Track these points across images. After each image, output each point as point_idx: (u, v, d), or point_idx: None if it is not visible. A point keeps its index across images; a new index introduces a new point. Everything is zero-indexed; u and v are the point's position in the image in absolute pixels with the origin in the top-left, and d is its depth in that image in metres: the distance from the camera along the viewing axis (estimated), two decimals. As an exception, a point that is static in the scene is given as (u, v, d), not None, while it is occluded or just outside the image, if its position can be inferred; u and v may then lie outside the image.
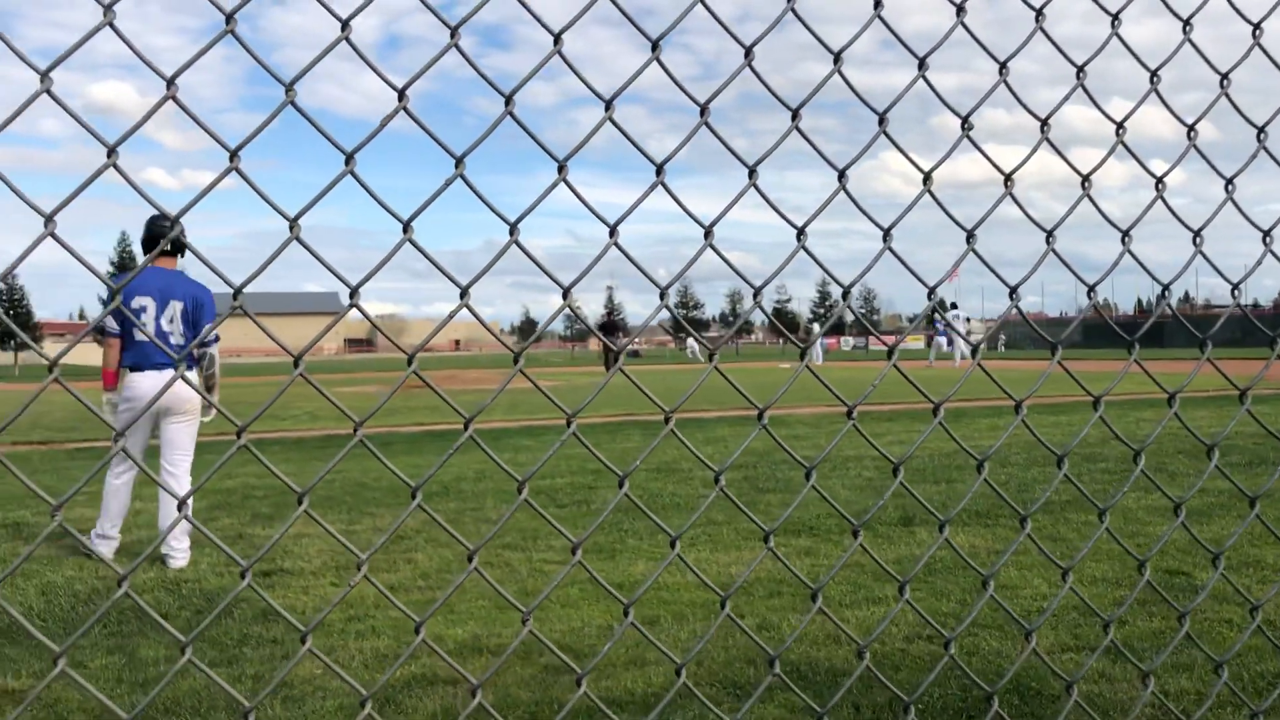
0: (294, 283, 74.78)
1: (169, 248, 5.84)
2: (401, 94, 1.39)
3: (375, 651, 4.16)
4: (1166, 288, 1.97)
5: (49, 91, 1.17)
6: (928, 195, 1.78)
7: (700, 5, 1.58)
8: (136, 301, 5.80)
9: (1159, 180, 1.95)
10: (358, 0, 1.38)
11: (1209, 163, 2.03)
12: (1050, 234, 1.86)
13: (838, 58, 1.65)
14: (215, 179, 1.29)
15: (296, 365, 1.37)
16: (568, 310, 1.60)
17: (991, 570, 1.98)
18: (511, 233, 1.49)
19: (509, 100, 1.47)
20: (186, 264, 6.24)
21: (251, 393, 21.52)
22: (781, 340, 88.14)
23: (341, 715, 3.46)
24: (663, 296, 1.61)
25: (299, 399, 18.72)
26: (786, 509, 2.05)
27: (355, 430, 1.41)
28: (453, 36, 1.42)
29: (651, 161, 1.57)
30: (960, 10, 1.76)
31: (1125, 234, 1.93)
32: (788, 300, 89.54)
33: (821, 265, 1.76)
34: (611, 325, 41.83)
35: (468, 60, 1.44)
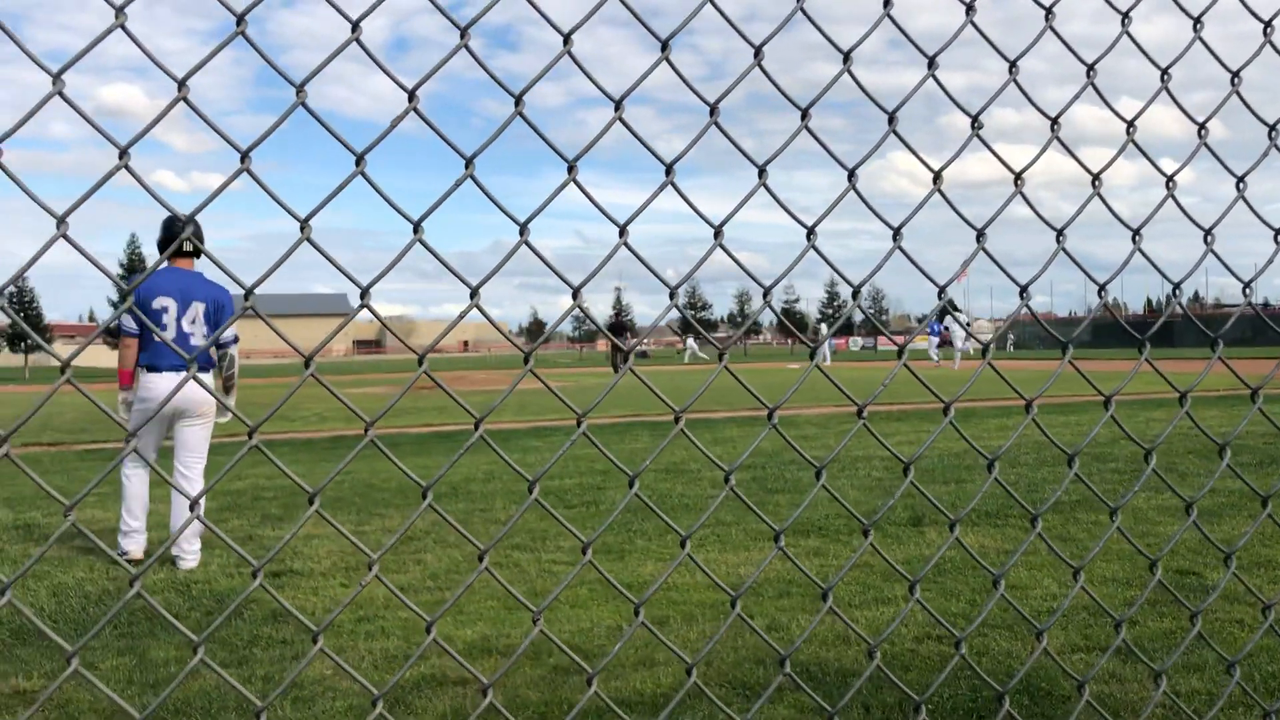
0: (302, 284, 74.82)
1: (189, 248, 5.85)
2: (412, 95, 1.39)
3: (385, 652, 4.17)
4: (1177, 286, 1.97)
5: (61, 93, 1.17)
6: (935, 195, 1.78)
7: (710, 5, 1.58)
8: (158, 302, 5.81)
9: (1169, 178, 1.94)
10: (365, 2, 1.38)
11: (1220, 161, 2.02)
12: (1060, 233, 1.85)
13: (847, 57, 1.65)
14: (227, 179, 1.29)
15: (308, 365, 1.38)
16: (577, 311, 1.60)
17: (1002, 570, 1.97)
18: (521, 233, 1.50)
19: (519, 100, 1.47)
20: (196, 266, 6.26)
21: (261, 394, 21.56)
22: (790, 341, 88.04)
23: (351, 716, 3.47)
24: (672, 296, 1.61)
25: (307, 400, 18.76)
26: (795, 509, 2.04)
27: (366, 430, 1.41)
28: (463, 37, 1.42)
29: (661, 161, 1.57)
30: (970, 9, 1.75)
31: (1136, 232, 1.93)
32: (796, 300, 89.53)
33: (831, 264, 1.76)
34: (620, 326, 41.82)
35: (477, 61, 1.44)
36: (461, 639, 4.30)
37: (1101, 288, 1.91)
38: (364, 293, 1.40)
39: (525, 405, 16.95)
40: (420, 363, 1.45)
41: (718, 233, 1.62)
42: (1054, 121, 1.85)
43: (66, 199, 1.20)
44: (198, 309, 5.90)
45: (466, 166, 1.45)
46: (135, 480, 5.95)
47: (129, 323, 5.86)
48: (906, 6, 1.75)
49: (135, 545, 5.91)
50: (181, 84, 1.25)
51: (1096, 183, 1.89)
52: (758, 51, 1.60)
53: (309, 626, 1.46)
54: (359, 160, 1.37)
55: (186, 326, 5.86)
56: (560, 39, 1.47)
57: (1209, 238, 1.99)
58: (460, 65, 1.44)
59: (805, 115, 1.66)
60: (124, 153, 1.22)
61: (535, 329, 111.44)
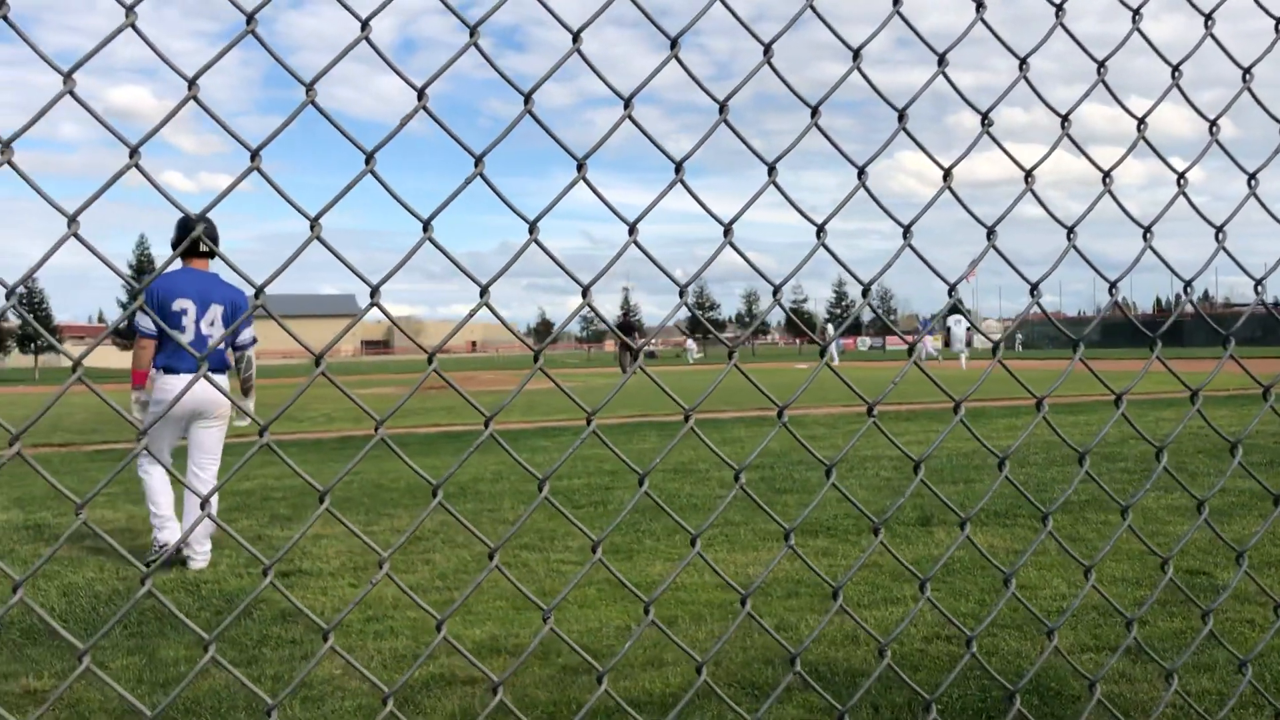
0: (310, 285, 75.08)
1: (204, 248, 5.85)
2: (421, 93, 1.39)
3: (394, 652, 4.17)
4: (1189, 285, 1.96)
5: (72, 93, 1.18)
6: (943, 195, 1.78)
7: (719, 4, 1.57)
8: (178, 304, 5.82)
9: (1181, 176, 1.93)
10: (373, 2, 1.38)
11: (1231, 158, 2.01)
12: (1071, 230, 1.84)
13: (857, 55, 1.65)
14: (239, 177, 1.29)
15: (318, 364, 1.38)
16: (586, 311, 1.60)
17: (1013, 569, 1.97)
18: (531, 231, 1.49)
19: (528, 99, 1.47)
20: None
21: (270, 394, 21.62)
22: (798, 341, 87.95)
23: (361, 715, 3.47)
24: (682, 295, 1.61)
25: (315, 401, 18.80)
26: (804, 509, 2.04)
27: (376, 429, 1.41)
28: (472, 36, 1.42)
29: (671, 159, 1.57)
30: (980, 6, 1.75)
31: (1147, 230, 1.92)
32: (804, 300, 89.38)
33: (841, 263, 1.76)
34: (628, 325, 41.82)
35: (487, 59, 1.44)
36: (470, 638, 4.30)
37: (1112, 285, 1.90)
38: (374, 291, 1.40)
39: (533, 405, 16.97)
40: (430, 361, 1.45)
41: (727, 231, 1.62)
42: (1064, 119, 1.84)
43: (75, 200, 1.20)
44: (216, 311, 5.91)
45: (476, 164, 1.45)
46: (154, 475, 5.95)
47: (146, 324, 5.86)
48: (915, 5, 1.75)
49: (170, 534, 5.92)
50: (192, 83, 1.25)
51: (1107, 180, 1.88)
52: (767, 49, 1.60)
53: (320, 625, 1.46)
54: (369, 159, 1.37)
55: (205, 329, 5.87)
56: (570, 37, 1.47)
57: (1221, 235, 1.98)
58: (467, 65, 1.44)
59: (815, 113, 1.66)
60: (134, 151, 1.22)
61: (543, 329, 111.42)
